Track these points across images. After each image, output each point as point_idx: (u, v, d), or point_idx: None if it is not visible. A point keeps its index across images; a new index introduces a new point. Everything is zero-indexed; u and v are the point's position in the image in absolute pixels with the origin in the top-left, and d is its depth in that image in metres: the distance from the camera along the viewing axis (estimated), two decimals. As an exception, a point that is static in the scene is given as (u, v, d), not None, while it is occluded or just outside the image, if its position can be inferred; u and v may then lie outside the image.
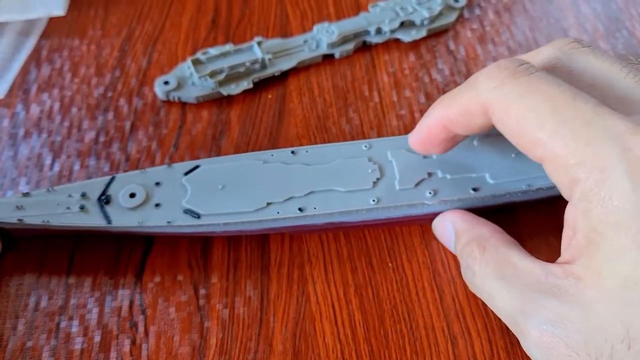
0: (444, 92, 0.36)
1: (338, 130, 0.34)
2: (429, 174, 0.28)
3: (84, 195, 0.28)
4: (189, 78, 0.35)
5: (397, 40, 0.38)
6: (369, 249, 0.29)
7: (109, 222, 0.27)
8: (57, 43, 0.38)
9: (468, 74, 0.36)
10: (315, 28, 0.36)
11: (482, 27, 0.39)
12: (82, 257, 0.29)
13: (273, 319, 0.27)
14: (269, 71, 0.35)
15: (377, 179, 0.28)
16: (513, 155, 0.29)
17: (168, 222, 0.27)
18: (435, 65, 0.37)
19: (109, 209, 0.27)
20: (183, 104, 0.35)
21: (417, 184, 0.28)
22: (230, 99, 0.35)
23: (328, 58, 0.37)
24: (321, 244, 0.29)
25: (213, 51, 0.35)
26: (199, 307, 0.28)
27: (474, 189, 0.28)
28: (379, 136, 0.34)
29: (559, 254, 0.29)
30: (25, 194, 0.27)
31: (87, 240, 0.30)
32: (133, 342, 0.27)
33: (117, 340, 0.27)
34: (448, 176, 0.28)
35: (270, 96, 0.35)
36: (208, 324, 0.27)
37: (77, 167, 0.32)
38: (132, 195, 0.27)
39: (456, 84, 0.36)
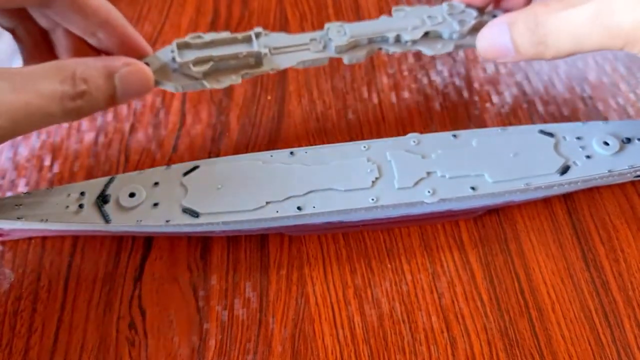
0: (443, 94, 0.36)
1: (337, 131, 0.34)
2: (428, 173, 0.28)
3: (82, 194, 0.28)
4: (171, 63, 0.30)
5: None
6: (368, 251, 0.29)
7: (107, 221, 0.27)
8: (57, 44, 0.38)
9: (467, 76, 0.36)
10: (327, 26, 0.32)
11: (481, 28, 0.39)
12: (81, 259, 0.29)
13: (272, 320, 0.27)
14: (264, 68, 0.30)
15: (376, 178, 0.28)
16: (511, 154, 0.29)
17: (167, 221, 0.27)
18: (434, 67, 0.37)
19: (107, 208, 0.27)
20: (182, 106, 0.35)
21: (416, 183, 0.28)
22: (229, 100, 0.35)
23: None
24: (320, 246, 0.29)
25: (206, 37, 0.30)
26: (198, 309, 0.28)
27: (473, 188, 0.28)
28: (378, 137, 0.34)
29: (557, 256, 0.29)
30: (25, 194, 0.27)
31: (86, 242, 0.30)
32: (132, 344, 0.27)
33: (116, 341, 0.27)
34: (447, 175, 0.28)
35: (269, 97, 0.35)
36: (207, 326, 0.27)
37: (76, 168, 0.32)
38: (132, 195, 0.27)
39: (455, 86, 0.36)
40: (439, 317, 0.27)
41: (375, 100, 0.35)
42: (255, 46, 0.30)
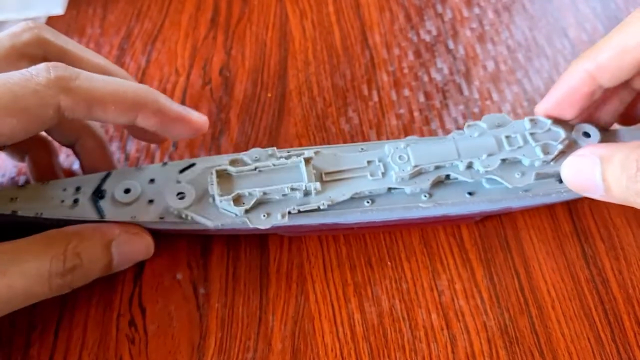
0: (443, 91, 0.36)
1: (337, 129, 0.34)
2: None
3: (78, 189, 0.27)
4: (209, 195, 0.27)
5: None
6: (367, 248, 0.29)
7: (102, 216, 0.27)
8: (56, 41, 0.38)
9: (467, 74, 0.36)
10: (387, 148, 0.28)
11: (481, 26, 0.39)
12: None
13: (272, 318, 0.27)
14: (312, 205, 0.27)
15: (373, 179, 0.28)
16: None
17: (160, 218, 0.27)
18: (434, 65, 0.37)
19: (102, 203, 0.27)
20: (182, 103, 0.35)
21: (412, 187, 0.28)
22: (229, 97, 0.35)
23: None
24: (320, 244, 0.29)
25: (248, 159, 0.27)
26: (198, 306, 0.28)
27: (470, 193, 0.28)
28: (378, 135, 0.34)
29: (557, 254, 0.29)
30: (20, 187, 0.27)
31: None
32: (132, 341, 0.27)
33: (116, 339, 0.27)
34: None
35: (269, 95, 0.35)
36: (207, 323, 0.27)
37: (76, 165, 0.32)
38: (127, 191, 0.27)
39: (455, 84, 0.36)
40: (439, 315, 0.27)
41: (376, 98, 0.35)
42: (305, 178, 0.27)
